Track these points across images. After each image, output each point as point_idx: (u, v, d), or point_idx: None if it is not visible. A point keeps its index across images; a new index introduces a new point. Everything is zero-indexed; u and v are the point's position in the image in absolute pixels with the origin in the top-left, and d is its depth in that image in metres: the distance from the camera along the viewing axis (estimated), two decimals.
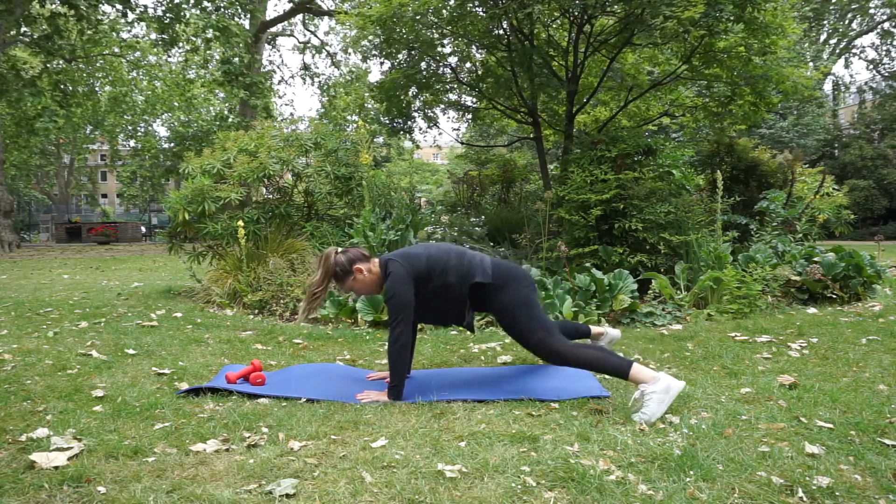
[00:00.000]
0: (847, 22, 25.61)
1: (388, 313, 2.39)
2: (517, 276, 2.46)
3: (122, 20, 15.69)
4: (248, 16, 15.50)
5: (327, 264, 2.43)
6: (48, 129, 16.13)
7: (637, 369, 2.17)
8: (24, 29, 15.08)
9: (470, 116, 8.25)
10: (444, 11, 5.68)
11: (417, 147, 8.54)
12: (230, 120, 17.38)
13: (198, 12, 13.28)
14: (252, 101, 14.29)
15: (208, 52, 14.98)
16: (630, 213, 4.84)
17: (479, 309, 2.56)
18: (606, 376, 2.57)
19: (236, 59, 13.71)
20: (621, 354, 2.67)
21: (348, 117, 19.74)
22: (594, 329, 2.98)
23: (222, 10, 13.45)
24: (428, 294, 2.40)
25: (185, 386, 2.49)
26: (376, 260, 2.49)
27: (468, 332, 3.68)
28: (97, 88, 21.16)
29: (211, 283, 5.04)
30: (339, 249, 2.48)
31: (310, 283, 2.49)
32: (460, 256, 2.45)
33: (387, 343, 2.32)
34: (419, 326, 3.81)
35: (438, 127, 8.07)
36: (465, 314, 2.47)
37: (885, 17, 24.78)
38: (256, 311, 4.48)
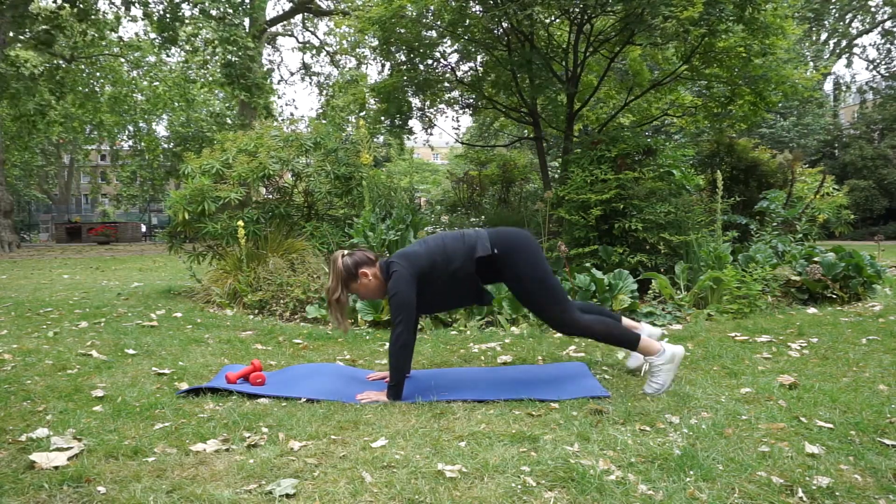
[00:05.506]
0: (847, 22, 25.62)
1: (390, 313, 2.41)
2: (519, 245, 2.45)
3: (125, 14, 15.72)
4: (247, 18, 15.52)
5: (336, 267, 2.44)
6: (38, 124, 16.21)
7: (644, 342, 2.40)
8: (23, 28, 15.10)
9: (471, 112, 8.25)
10: (443, 12, 5.68)
11: (420, 146, 8.56)
12: (228, 122, 17.39)
13: (197, 12, 13.31)
14: (253, 101, 14.33)
15: (207, 53, 15.00)
16: (630, 213, 4.84)
17: (492, 280, 2.57)
18: (606, 376, 2.64)
19: (237, 61, 13.73)
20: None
21: (348, 117, 19.73)
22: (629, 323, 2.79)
23: (228, 17, 13.46)
24: (440, 284, 2.42)
25: (185, 386, 2.49)
26: (379, 264, 2.51)
27: (468, 333, 3.67)
28: (97, 89, 21.14)
29: (211, 283, 5.04)
30: (346, 252, 2.49)
31: (326, 290, 2.50)
32: (457, 238, 2.47)
33: (388, 343, 2.32)
34: (418, 326, 3.82)
35: (438, 126, 8.07)
36: (481, 292, 2.50)
37: (885, 17, 24.79)
38: (256, 311, 4.48)
